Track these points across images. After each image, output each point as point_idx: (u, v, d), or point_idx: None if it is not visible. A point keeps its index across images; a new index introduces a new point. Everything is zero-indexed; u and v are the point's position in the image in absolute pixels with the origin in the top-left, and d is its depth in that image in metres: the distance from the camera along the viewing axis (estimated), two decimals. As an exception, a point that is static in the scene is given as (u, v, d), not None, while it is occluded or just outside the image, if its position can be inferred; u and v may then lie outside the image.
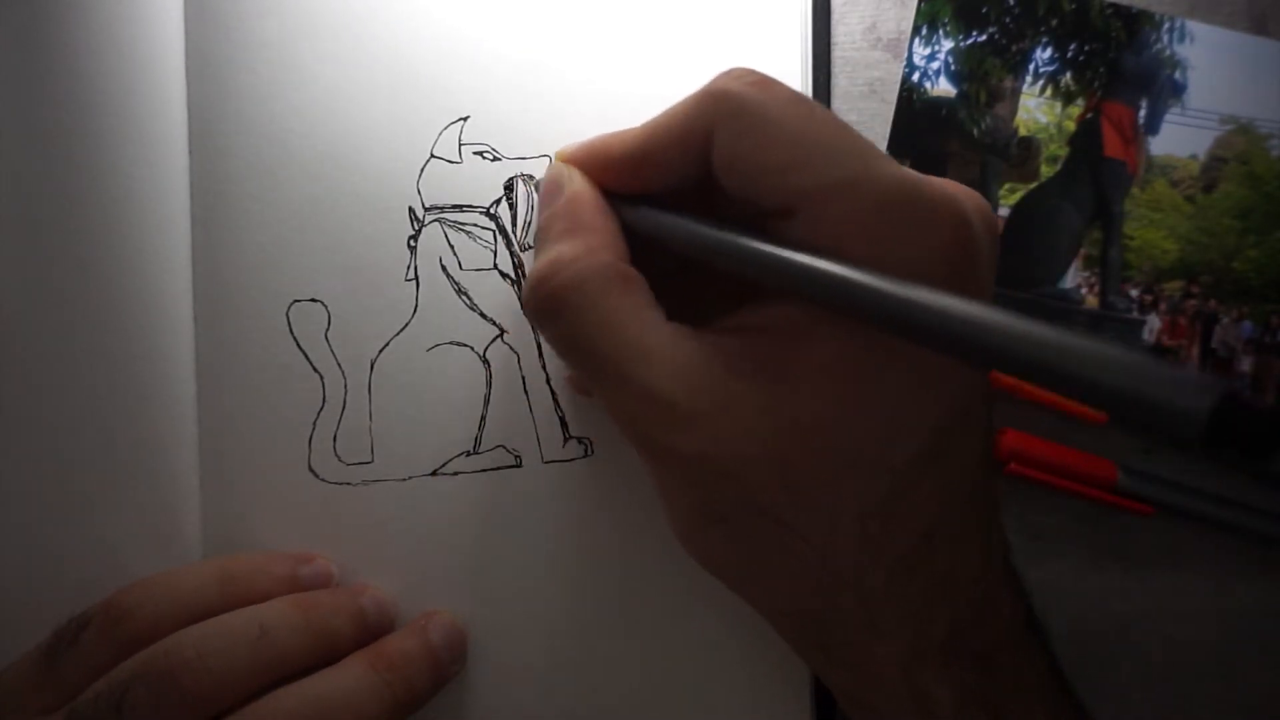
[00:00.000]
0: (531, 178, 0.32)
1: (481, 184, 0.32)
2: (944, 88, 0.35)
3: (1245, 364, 0.35)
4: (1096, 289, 0.35)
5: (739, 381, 0.24)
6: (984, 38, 0.35)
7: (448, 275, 0.32)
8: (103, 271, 0.31)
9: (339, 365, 0.31)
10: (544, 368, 0.32)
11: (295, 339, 0.31)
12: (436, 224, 0.32)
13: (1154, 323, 0.35)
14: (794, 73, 0.33)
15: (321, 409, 0.31)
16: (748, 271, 0.23)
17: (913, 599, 0.24)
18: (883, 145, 0.35)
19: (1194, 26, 0.35)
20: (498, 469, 0.32)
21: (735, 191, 0.24)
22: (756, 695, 0.32)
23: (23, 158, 0.31)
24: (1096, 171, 0.35)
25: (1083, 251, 0.35)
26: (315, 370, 0.31)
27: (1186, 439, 0.15)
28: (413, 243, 0.32)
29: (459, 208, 0.32)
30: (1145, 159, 0.35)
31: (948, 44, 0.35)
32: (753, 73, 0.24)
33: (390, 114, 0.32)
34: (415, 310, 0.32)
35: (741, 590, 0.27)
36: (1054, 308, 0.35)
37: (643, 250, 0.26)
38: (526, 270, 0.32)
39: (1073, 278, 0.35)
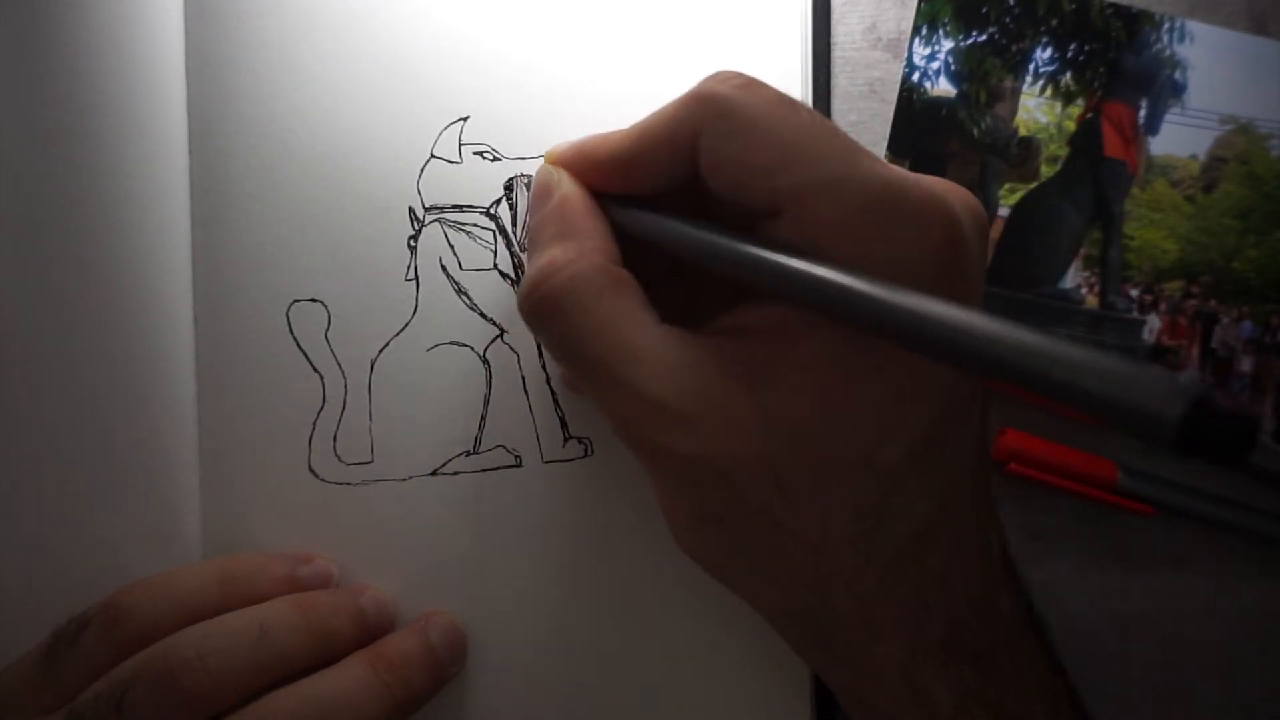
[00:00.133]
0: (531, 178, 0.32)
1: (481, 184, 0.32)
2: (944, 88, 0.35)
3: (1245, 364, 0.35)
4: (1096, 289, 0.35)
5: (731, 383, 0.24)
6: (984, 38, 0.35)
7: (448, 275, 0.32)
8: (103, 271, 0.31)
9: (339, 365, 0.31)
10: (544, 368, 0.32)
11: (295, 339, 0.31)
12: (436, 224, 0.32)
13: (1154, 323, 0.35)
14: (794, 73, 0.33)
15: (321, 409, 0.31)
16: (733, 273, 0.24)
17: (909, 598, 0.24)
18: (883, 145, 0.35)
19: (1194, 26, 0.35)
20: (498, 469, 0.32)
21: (722, 193, 0.24)
22: (756, 695, 0.32)
23: (23, 158, 0.31)
24: (1096, 171, 0.35)
25: (1083, 251, 0.35)
26: (315, 370, 0.31)
27: (1160, 443, 0.16)
28: (413, 243, 0.32)
29: (459, 208, 0.32)
30: (1145, 159, 0.35)
31: (948, 44, 0.35)
32: (739, 75, 0.24)
33: (390, 114, 0.32)
34: (415, 310, 0.32)
35: (739, 590, 0.27)
36: (1054, 308, 0.35)
37: (635, 251, 0.26)
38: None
39: (1073, 278, 0.35)
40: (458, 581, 0.31)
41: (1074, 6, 0.35)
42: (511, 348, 0.32)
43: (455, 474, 0.32)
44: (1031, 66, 0.35)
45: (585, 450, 0.32)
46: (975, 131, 0.35)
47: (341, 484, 0.31)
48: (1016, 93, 0.35)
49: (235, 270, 0.31)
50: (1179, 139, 0.35)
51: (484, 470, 0.32)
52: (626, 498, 0.31)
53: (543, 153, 0.31)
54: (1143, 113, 0.35)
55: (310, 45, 0.31)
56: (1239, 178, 0.35)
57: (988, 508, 0.26)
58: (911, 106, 0.35)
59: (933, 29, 0.35)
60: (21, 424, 0.31)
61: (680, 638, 0.32)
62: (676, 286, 0.28)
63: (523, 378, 0.32)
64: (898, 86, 0.35)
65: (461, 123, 0.32)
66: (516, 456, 0.32)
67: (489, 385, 0.32)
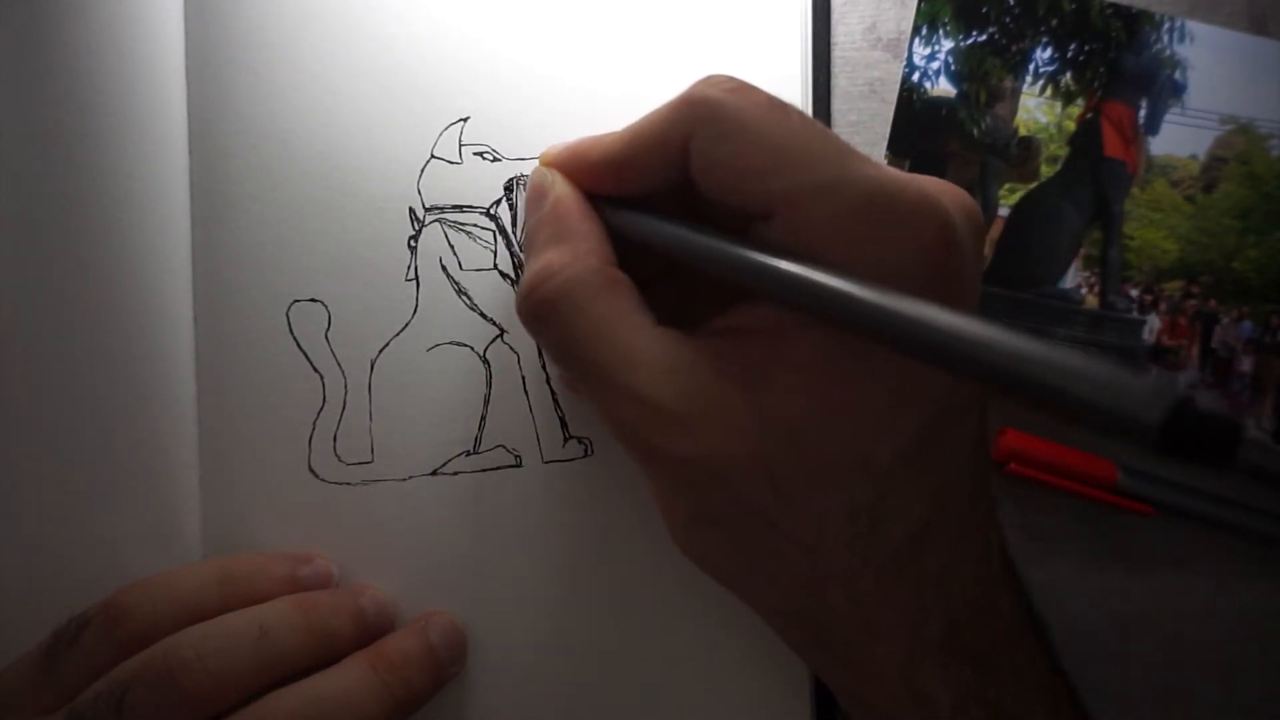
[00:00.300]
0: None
1: (481, 184, 0.32)
2: (944, 88, 0.35)
3: (1245, 364, 0.35)
4: (1096, 289, 0.35)
5: (726, 383, 0.24)
6: (984, 38, 0.35)
7: (448, 275, 0.32)
8: (103, 271, 0.31)
9: (339, 365, 0.31)
10: (544, 368, 0.32)
11: (295, 339, 0.31)
12: (437, 224, 0.32)
13: (1154, 323, 0.35)
14: (794, 73, 0.33)
15: (321, 409, 0.31)
16: (726, 275, 0.24)
17: (907, 599, 0.24)
18: (883, 145, 0.35)
19: (1194, 26, 0.35)
20: (498, 469, 0.32)
21: (714, 196, 0.24)
22: (756, 695, 0.32)
23: (23, 158, 0.31)
24: (1096, 171, 0.35)
25: (1083, 251, 0.35)
26: (315, 370, 0.31)
27: (1141, 446, 0.16)
28: (413, 243, 0.32)
29: (459, 208, 0.32)
30: (1145, 159, 0.35)
31: (948, 44, 0.35)
32: (730, 79, 0.24)
33: (390, 114, 0.32)
34: (415, 310, 0.32)
35: (737, 590, 0.27)
36: (1054, 308, 0.35)
37: (630, 253, 0.26)
38: (526, 270, 0.32)
39: (1073, 278, 0.35)
40: (458, 581, 0.31)
41: (1074, 6, 0.35)
42: (511, 348, 0.32)
43: (455, 474, 0.32)
44: (1031, 66, 0.35)
45: (585, 450, 0.32)
46: (975, 131, 0.35)
47: (341, 484, 0.31)
48: (1016, 93, 0.35)
49: (235, 270, 0.31)
50: (1179, 139, 0.35)
51: (484, 470, 0.32)
52: (626, 498, 0.31)
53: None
54: (1143, 113, 0.35)
55: (310, 45, 0.31)
56: (1239, 178, 0.35)
57: (987, 508, 0.26)
58: (911, 106, 0.35)
59: (933, 29, 0.35)
60: (21, 424, 0.31)
61: (680, 638, 0.32)
62: (672, 287, 0.28)
63: (523, 378, 0.32)
64: (898, 86, 0.35)
65: (461, 123, 0.32)
66: (516, 456, 0.32)
67: (489, 385, 0.32)
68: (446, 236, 0.32)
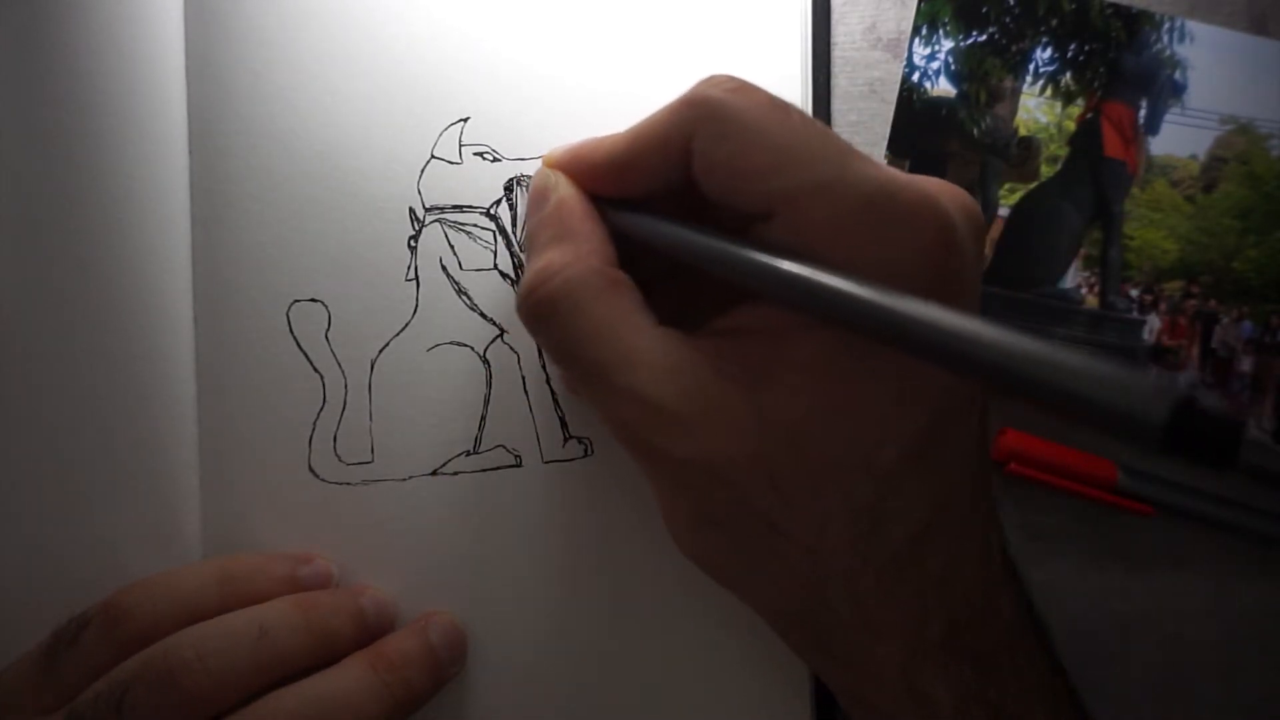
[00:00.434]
0: (531, 179, 0.32)
1: (481, 184, 0.32)
2: (944, 88, 0.35)
3: (1245, 364, 0.35)
4: (1096, 289, 0.35)
5: (727, 384, 0.24)
6: (984, 38, 0.35)
7: (448, 275, 0.32)
8: (103, 271, 0.31)
9: (339, 365, 0.31)
10: (544, 368, 0.32)
11: (295, 339, 0.31)
12: (437, 224, 0.32)
13: (1154, 323, 0.35)
14: (794, 73, 0.33)
15: (321, 409, 0.31)
16: (727, 275, 0.24)
17: (908, 600, 0.24)
18: (883, 145, 0.35)
19: (1194, 26, 0.35)
20: (498, 469, 0.32)
21: (716, 196, 0.24)
22: (756, 695, 0.32)
23: (23, 158, 0.31)
24: (1096, 171, 0.35)
25: (1083, 251, 0.35)
26: (315, 370, 0.31)
27: (1146, 445, 0.16)
28: (413, 243, 0.32)
29: (459, 208, 0.32)
30: (1145, 159, 0.35)
31: (948, 44, 0.35)
32: (731, 79, 0.24)
33: (390, 114, 0.32)
34: (415, 310, 0.32)
35: (738, 591, 0.27)
36: (1054, 308, 0.35)
37: (632, 254, 0.26)
38: (526, 270, 0.32)
39: (1073, 278, 0.35)
40: (458, 581, 0.31)
41: (1074, 6, 0.35)
42: (511, 348, 0.32)
43: (455, 474, 0.32)
44: (1031, 66, 0.35)
45: (585, 450, 0.32)
46: (975, 131, 0.35)
47: (341, 484, 0.31)
48: (1016, 93, 0.35)
49: (235, 270, 0.31)
50: (1179, 139, 0.35)
51: (484, 470, 0.32)
52: (626, 498, 0.31)
53: (543, 154, 0.31)
54: (1143, 113, 0.35)
55: (310, 46, 0.31)
56: (1239, 178, 0.35)
57: (988, 508, 0.26)
58: (911, 106, 0.35)
59: (933, 29, 0.35)
60: (21, 424, 0.31)
61: (680, 638, 0.32)
62: (674, 288, 0.28)
63: (523, 378, 0.32)
64: (898, 86, 0.35)
65: (461, 123, 0.32)
66: (516, 456, 0.32)
67: (489, 385, 0.32)
68: (446, 236, 0.32)
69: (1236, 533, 0.35)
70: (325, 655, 0.29)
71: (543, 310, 0.25)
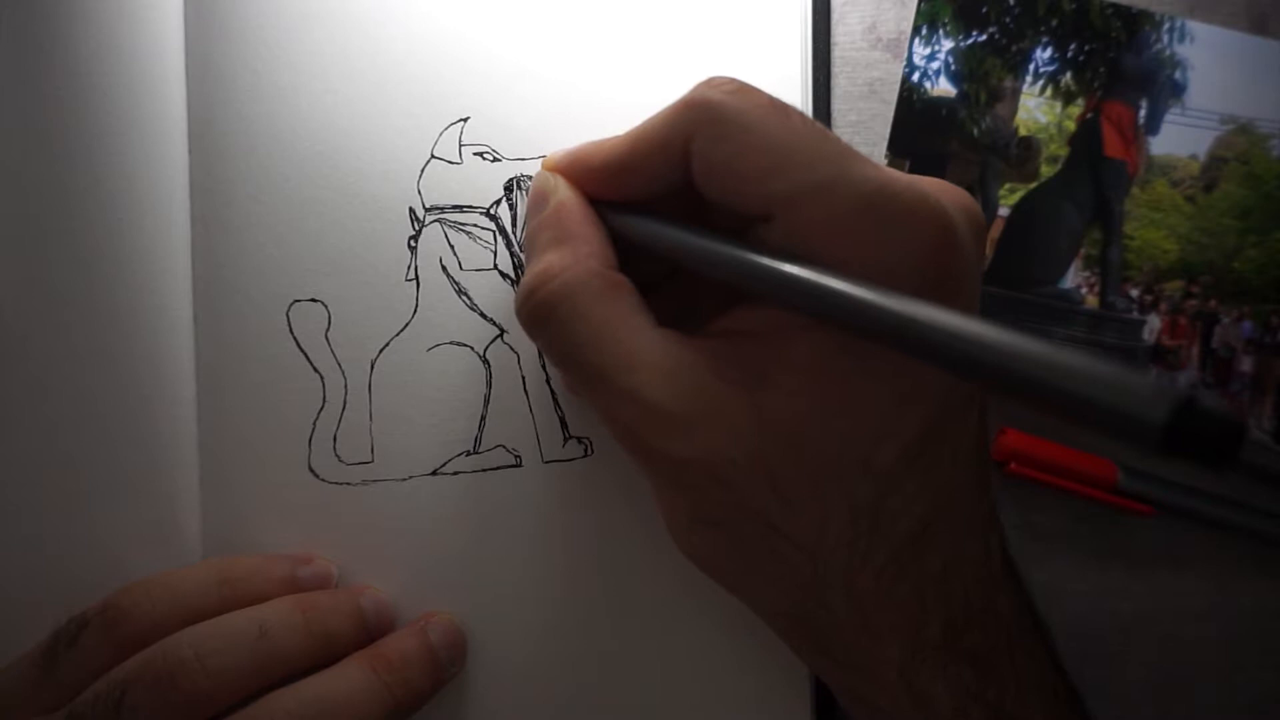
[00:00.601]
0: (531, 179, 0.32)
1: (481, 184, 0.32)
2: (944, 88, 0.35)
3: (1245, 364, 0.35)
4: (1096, 289, 0.35)
5: (726, 385, 0.24)
6: (984, 38, 0.35)
7: (448, 275, 0.32)
8: (103, 271, 0.31)
9: (339, 365, 0.31)
10: (544, 368, 0.32)
11: (295, 339, 0.31)
12: (437, 224, 0.32)
13: (1154, 323, 0.35)
14: (794, 73, 0.33)
15: (321, 409, 0.31)
16: (727, 277, 0.24)
17: (907, 600, 0.24)
18: (883, 145, 0.35)
19: (1194, 26, 0.35)
20: (498, 469, 0.32)
21: (715, 198, 0.24)
22: (756, 695, 0.32)
23: (23, 158, 0.31)
24: (1096, 171, 0.35)
25: (1083, 251, 0.35)
26: (315, 370, 0.31)
27: (1145, 446, 0.15)
28: (413, 243, 0.32)
29: (459, 208, 0.32)
30: (1145, 159, 0.35)
31: (948, 44, 0.35)
32: (731, 81, 0.24)
33: (390, 114, 0.32)
34: (415, 310, 0.32)
35: (738, 592, 0.27)
36: (1054, 308, 0.35)
37: (632, 256, 0.26)
38: (526, 270, 0.32)
39: (1073, 278, 0.35)
40: (458, 581, 0.31)
41: (1074, 6, 0.35)
42: (511, 348, 0.32)
43: (455, 474, 0.32)
44: (1031, 66, 0.35)
45: (585, 450, 0.32)
46: (975, 131, 0.35)
47: (341, 484, 0.31)
48: (1016, 93, 0.35)
49: (235, 270, 0.31)
50: (1179, 139, 0.35)
51: (484, 470, 0.32)
52: (626, 498, 0.31)
53: (543, 154, 0.32)
54: (1143, 113, 0.35)
55: (310, 46, 0.31)
56: (1239, 178, 0.35)
57: (988, 508, 0.26)
58: (911, 106, 0.35)
59: (933, 29, 0.35)
60: (22, 423, 0.31)
61: (680, 638, 0.32)
62: (673, 290, 0.28)
63: (523, 378, 0.32)
64: (898, 86, 0.35)
65: (461, 123, 0.32)
66: (516, 456, 0.32)
67: (489, 385, 0.32)
68: (446, 236, 0.32)
69: (1236, 533, 0.35)
70: (325, 656, 0.29)
71: (542, 313, 0.25)
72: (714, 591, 0.27)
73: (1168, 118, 0.35)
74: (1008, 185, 0.35)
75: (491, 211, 0.32)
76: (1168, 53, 0.35)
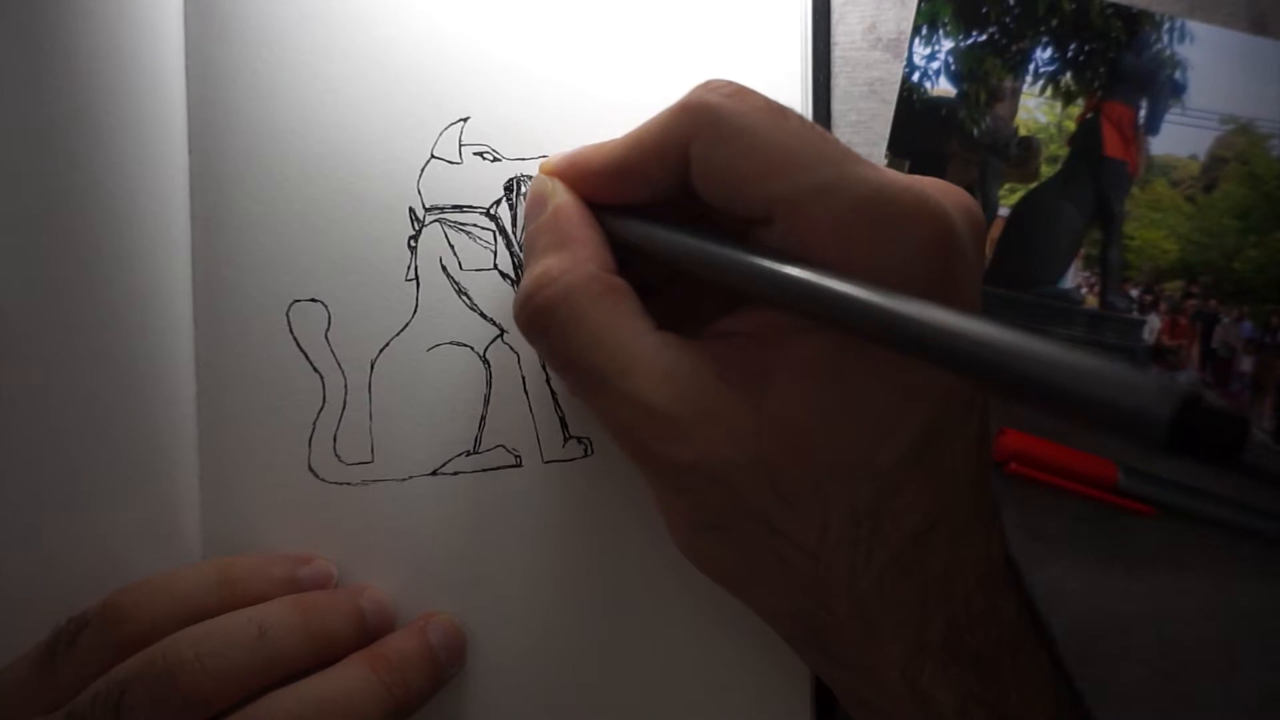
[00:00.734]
0: (531, 179, 0.32)
1: (481, 184, 0.32)
2: (944, 88, 0.35)
3: (1245, 364, 0.35)
4: (1096, 289, 0.35)
5: (726, 388, 0.24)
6: (984, 38, 0.35)
7: (448, 275, 0.32)
8: (103, 271, 0.31)
9: (339, 365, 0.31)
10: (544, 367, 0.32)
11: (295, 339, 0.31)
12: (437, 224, 0.32)
13: (1154, 323, 0.35)
14: (794, 73, 0.33)
15: (321, 409, 0.31)
16: (727, 280, 0.24)
17: (908, 601, 0.24)
18: (883, 145, 0.35)
19: (1194, 26, 0.35)
20: (498, 469, 0.32)
21: (714, 201, 0.24)
22: (756, 695, 0.32)
23: (23, 158, 0.31)
24: (1096, 171, 0.35)
25: (1082, 251, 0.35)
26: (315, 370, 0.31)
27: (1150, 444, 0.15)
28: (413, 243, 0.32)
29: (459, 208, 0.32)
30: (1145, 159, 0.35)
31: (948, 44, 0.35)
32: (729, 84, 0.24)
33: (390, 114, 0.32)
34: (415, 310, 0.32)
35: (739, 593, 0.27)
36: (1054, 308, 0.35)
37: (631, 259, 0.26)
38: (526, 270, 0.32)
39: (1073, 278, 0.35)
40: (457, 581, 0.31)
41: (1074, 6, 0.35)
42: (511, 348, 0.32)
43: (455, 474, 0.32)
44: (1031, 66, 0.35)
45: (585, 450, 0.32)
46: (975, 131, 0.35)
47: (341, 484, 0.31)
48: (1016, 93, 0.35)
49: (235, 270, 0.31)
50: (1179, 139, 0.35)
51: (484, 470, 0.32)
52: (626, 498, 0.31)
53: (543, 154, 0.32)
54: (1143, 113, 0.35)
55: (310, 45, 0.31)
56: (1239, 178, 0.35)
57: (989, 508, 0.26)
58: (911, 106, 0.35)
59: (933, 29, 0.35)
60: (22, 423, 0.31)
61: (680, 637, 0.32)
62: (673, 292, 0.28)
63: (523, 378, 0.32)
64: (898, 86, 0.35)
65: (462, 123, 0.32)
66: (516, 456, 0.32)
67: (489, 385, 0.32)
68: (446, 236, 0.32)
69: (1236, 533, 0.35)
70: (324, 656, 0.28)
71: (540, 317, 0.25)
72: (714, 591, 0.27)
73: (1168, 118, 0.35)
74: (1008, 185, 0.35)
75: (491, 211, 0.32)
76: (1168, 53, 0.35)
